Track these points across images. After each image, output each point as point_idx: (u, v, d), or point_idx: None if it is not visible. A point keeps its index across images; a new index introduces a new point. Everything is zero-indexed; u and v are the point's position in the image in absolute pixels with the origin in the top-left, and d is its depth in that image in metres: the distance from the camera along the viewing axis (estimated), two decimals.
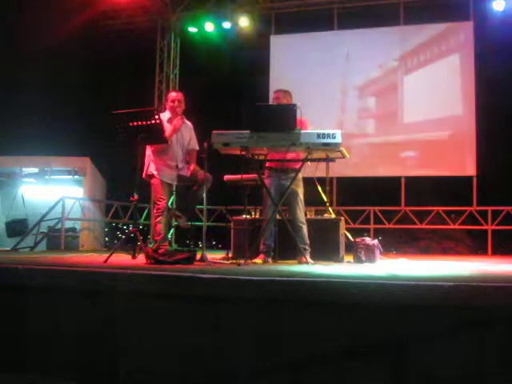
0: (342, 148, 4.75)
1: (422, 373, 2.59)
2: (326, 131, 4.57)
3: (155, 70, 11.42)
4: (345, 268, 4.44)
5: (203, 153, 4.91)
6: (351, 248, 5.53)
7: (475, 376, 2.53)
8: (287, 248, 5.20)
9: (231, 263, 4.90)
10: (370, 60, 10.37)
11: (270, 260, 5.25)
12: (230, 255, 5.66)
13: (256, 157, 5.12)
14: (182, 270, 3.44)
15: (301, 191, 5.27)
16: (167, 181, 4.99)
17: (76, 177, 9.30)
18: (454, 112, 9.97)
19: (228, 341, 2.84)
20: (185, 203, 5.20)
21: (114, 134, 4.82)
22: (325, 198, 6.12)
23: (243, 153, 4.74)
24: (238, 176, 5.40)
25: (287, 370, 2.75)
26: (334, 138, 4.54)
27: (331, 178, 9.40)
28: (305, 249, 5.08)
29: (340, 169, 9.18)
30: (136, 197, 4.82)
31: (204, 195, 5.01)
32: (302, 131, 4.61)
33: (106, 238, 10.74)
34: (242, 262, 4.76)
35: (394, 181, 10.32)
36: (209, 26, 11.04)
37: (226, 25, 10.98)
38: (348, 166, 9.96)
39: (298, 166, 5.02)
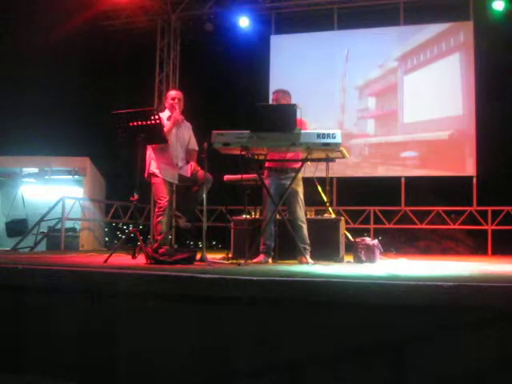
0: (342, 148, 4.76)
1: (421, 373, 2.59)
2: (325, 131, 4.57)
3: (155, 70, 11.43)
4: (345, 268, 4.44)
5: (203, 153, 4.91)
6: (351, 248, 5.53)
7: (475, 376, 2.53)
8: (287, 248, 5.21)
9: (231, 263, 4.90)
10: (369, 60, 10.38)
11: (269, 260, 5.25)
12: (230, 255, 5.66)
13: (256, 157, 5.12)
14: (182, 270, 3.44)
15: (301, 191, 5.27)
16: (168, 179, 4.99)
17: (76, 177, 9.29)
18: (454, 112, 9.98)
19: (228, 341, 2.84)
20: (185, 204, 5.20)
21: (114, 134, 4.82)
22: (325, 198, 6.11)
23: (243, 153, 4.74)
24: (238, 176, 5.41)
25: (287, 369, 2.75)
26: (334, 138, 4.54)
27: (331, 178, 9.40)
28: (305, 249, 5.08)
29: (340, 169, 9.20)
30: (136, 197, 4.82)
31: (204, 195, 5.01)
32: (302, 131, 4.61)
33: (106, 238, 10.72)
34: (242, 261, 4.76)
35: (393, 181, 10.33)
36: (209, 26, 11.04)
37: (226, 25, 10.98)
38: (348, 166, 10.00)
39: (297, 165, 5.02)
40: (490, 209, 9.76)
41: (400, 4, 10.44)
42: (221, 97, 11.07)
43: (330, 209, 6.13)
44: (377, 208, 10.29)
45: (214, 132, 4.71)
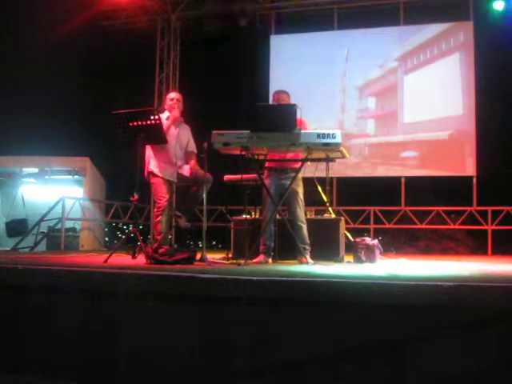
0: (342, 148, 4.76)
1: (421, 373, 2.59)
2: (325, 131, 4.57)
3: (155, 71, 11.43)
4: (345, 268, 4.44)
5: (203, 153, 4.91)
6: (351, 248, 5.53)
7: (475, 376, 2.53)
8: (287, 248, 5.21)
9: (231, 263, 4.90)
10: (369, 60, 10.38)
11: (269, 260, 5.26)
12: (230, 255, 5.66)
13: (256, 157, 5.12)
14: (182, 270, 3.44)
15: (301, 191, 5.27)
16: (168, 178, 4.99)
17: (76, 177, 9.29)
18: (454, 112, 9.98)
19: (228, 341, 2.84)
20: (185, 204, 5.20)
21: (114, 134, 4.82)
22: (325, 198, 6.11)
23: (243, 153, 4.74)
24: (238, 176, 5.41)
25: (287, 369, 2.75)
26: (334, 138, 4.54)
27: (331, 178, 9.40)
28: (305, 249, 5.08)
29: (340, 169, 9.20)
30: (136, 197, 4.82)
31: (204, 195, 5.01)
32: (302, 131, 4.61)
33: (106, 238, 10.73)
34: (242, 262, 4.76)
35: (393, 181, 10.32)
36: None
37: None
38: (348, 166, 10.00)
39: (297, 165, 5.02)
40: (489, 209, 9.76)
41: (400, 4, 10.44)
42: (221, 97, 11.06)
43: (329, 209, 6.13)
44: (377, 208, 10.29)
45: (214, 132, 4.71)
